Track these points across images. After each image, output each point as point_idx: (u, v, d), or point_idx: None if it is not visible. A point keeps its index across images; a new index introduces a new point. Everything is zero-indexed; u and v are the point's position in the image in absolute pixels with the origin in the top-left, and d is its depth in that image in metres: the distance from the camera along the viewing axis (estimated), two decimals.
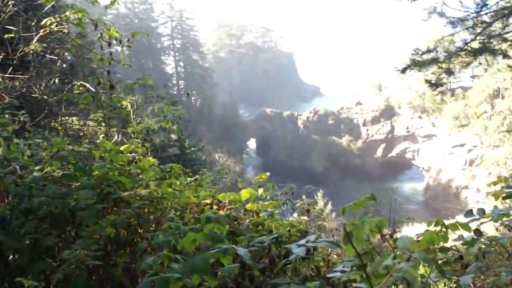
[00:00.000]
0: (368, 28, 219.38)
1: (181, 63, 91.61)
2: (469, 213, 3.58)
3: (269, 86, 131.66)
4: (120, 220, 4.49)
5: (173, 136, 40.65)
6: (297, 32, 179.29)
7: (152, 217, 5.26)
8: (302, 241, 2.85)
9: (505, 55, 17.79)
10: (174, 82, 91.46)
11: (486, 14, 16.62)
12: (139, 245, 4.52)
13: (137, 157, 6.44)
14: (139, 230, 5.22)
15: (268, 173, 6.84)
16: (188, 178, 10.06)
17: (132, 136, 8.00)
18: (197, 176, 11.11)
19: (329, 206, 52.52)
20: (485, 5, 16.10)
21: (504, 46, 17.89)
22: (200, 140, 62.79)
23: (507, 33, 17.06)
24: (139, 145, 6.86)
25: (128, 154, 6.12)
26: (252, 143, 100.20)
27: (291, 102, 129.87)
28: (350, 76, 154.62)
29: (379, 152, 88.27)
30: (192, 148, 43.82)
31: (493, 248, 3.68)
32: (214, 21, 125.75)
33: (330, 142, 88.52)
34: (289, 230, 5.31)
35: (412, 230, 53.55)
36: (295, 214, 6.64)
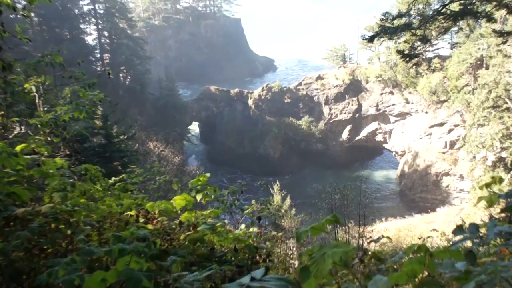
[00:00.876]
0: None
1: (106, 33, 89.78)
2: (458, 229, 3.33)
3: (213, 59, 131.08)
4: (11, 247, 4.05)
5: (97, 122, 39.82)
6: None
7: (61, 236, 4.87)
8: (245, 279, 2.47)
9: (490, 18, 17.87)
10: (98, 55, 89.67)
11: None
12: (38, 278, 4.09)
13: (41, 158, 5.98)
14: (46, 252, 4.83)
15: (208, 174, 6.50)
16: (112, 179, 9.62)
17: (40, 127, 7.53)
18: (123, 175, 10.63)
19: (288, 201, 52.95)
20: None
21: (488, 7, 18.00)
22: (131, 126, 61.84)
23: None
24: (46, 141, 6.42)
25: (28, 156, 5.65)
26: (194, 128, 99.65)
27: (240, 77, 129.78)
28: (309, 46, 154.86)
29: (345, 135, 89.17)
30: (121, 137, 42.93)
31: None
32: None
33: (287, 124, 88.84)
34: (235, 248, 5.03)
35: (386, 226, 54.47)
36: (243, 226, 6.31)
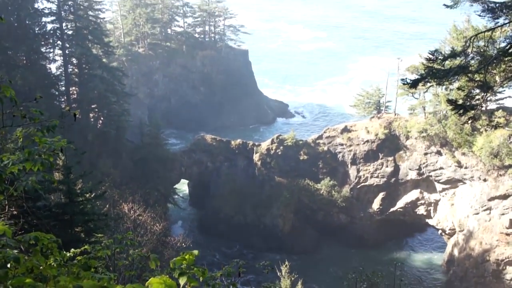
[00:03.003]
0: (363, 22, 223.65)
1: (74, 60, 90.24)
2: None
3: (211, 100, 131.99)
4: None
5: (56, 175, 39.79)
6: (258, 18, 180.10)
7: None
8: None
9: None
10: (63, 88, 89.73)
11: None
12: None
13: None
14: None
15: (196, 252, 6.40)
16: (71, 251, 9.51)
17: None
18: (86, 247, 10.53)
19: (299, 287, 52.72)
20: None
21: None
22: (101, 182, 61.84)
23: None
24: None
25: None
26: (183, 187, 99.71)
27: (245, 125, 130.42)
28: (334, 89, 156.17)
29: (376, 205, 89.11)
30: (87, 195, 42.85)
31: None
32: None
33: (302, 188, 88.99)
34: None
35: None
36: None
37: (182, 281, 5.93)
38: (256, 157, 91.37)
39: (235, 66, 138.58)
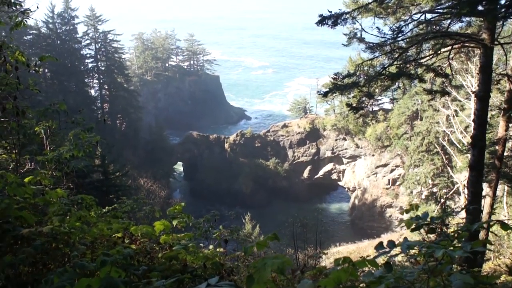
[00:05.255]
0: (293, 48, 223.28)
1: (106, 86, 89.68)
2: (379, 246, 3.51)
3: (196, 109, 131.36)
4: (17, 260, 4.13)
5: (96, 161, 39.62)
6: (224, 53, 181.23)
7: (60, 253, 4.94)
8: (202, 285, 2.61)
9: (421, 79, 18.48)
10: (99, 105, 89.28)
11: (402, 40, 17.21)
12: (39, 287, 4.17)
13: (46, 188, 6.06)
14: (48, 267, 4.89)
15: (183, 203, 6.61)
16: (106, 208, 9.68)
17: (46, 163, 7.61)
18: (115, 205, 10.70)
19: (257, 229, 52.75)
20: (401, 31, 16.66)
21: (419, 70, 18.60)
22: (125, 165, 61.53)
23: (422, 58, 17.72)
24: (51, 175, 6.49)
25: (34, 187, 5.72)
26: (179, 167, 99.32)
27: (218, 125, 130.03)
28: (277, 100, 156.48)
29: (306, 174, 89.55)
30: (117, 174, 42.71)
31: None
32: (140, 43, 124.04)
33: (257, 165, 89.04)
34: (204, 264, 5.13)
35: (339, 250, 54.52)
36: (211, 246, 6.42)
37: (174, 222, 6.14)
38: (226, 146, 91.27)
39: (211, 87, 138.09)
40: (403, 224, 4.16)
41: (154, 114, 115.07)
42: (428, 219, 3.97)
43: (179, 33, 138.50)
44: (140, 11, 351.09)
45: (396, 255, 3.47)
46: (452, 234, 3.72)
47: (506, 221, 3.73)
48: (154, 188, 69.22)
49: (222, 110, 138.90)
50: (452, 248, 3.15)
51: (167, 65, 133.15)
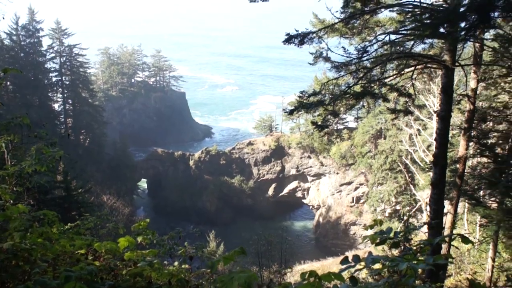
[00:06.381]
0: (259, 67, 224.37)
1: (70, 100, 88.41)
2: (344, 260, 3.56)
3: (161, 125, 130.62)
4: None
5: (59, 177, 38.89)
6: (191, 70, 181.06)
7: (20, 270, 4.81)
8: None
9: (385, 99, 18.79)
10: (62, 119, 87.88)
11: (367, 60, 17.50)
12: None
13: (6, 204, 5.92)
14: (7, 285, 4.76)
15: (148, 220, 6.55)
16: (68, 224, 9.50)
17: (6, 178, 7.45)
18: (78, 222, 10.51)
19: (222, 247, 52.51)
20: (366, 51, 16.95)
21: (383, 90, 18.92)
22: (88, 181, 60.51)
23: (386, 78, 18.04)
24: (9, 190, 6.34)
25: None
26: (143, 184, 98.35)
27: (183, 142, 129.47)
28: (243, 117, 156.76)
29: (271, 192, 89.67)
30: (79, 190, 41.98)
31: None
32: (106, 58, 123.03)
33: (222, 182, 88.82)
34: (169, 281, 5.07)
35: (303, 267, 54.54)
36: (176, 263, 6.35)
37: (139, 239, 6.07)
38: (191, 163, 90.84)
39: (176, 103, 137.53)
40: (367, 239, 4.21)
41: (118, 130, 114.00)
42: (392, 234, 4.03)
43: (146, 48, 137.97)
44: (107, 26, 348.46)
45: (361, 269, 3.52)
46: (415, 248, 3.80)
47: (466, 236, 3.82)
48: (117, 205, 68.35)
49: (188, 127, 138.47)
50: (415, 262, 3.22)
51: (133, 80, 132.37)
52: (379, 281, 3.33)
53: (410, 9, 15.98)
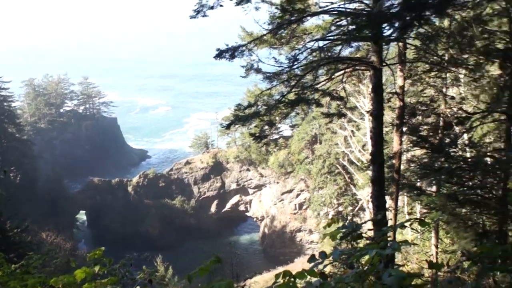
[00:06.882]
0: (188, 85, 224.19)
1: None
2: (312, 258, 3.67)
3: (95, 154, 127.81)
4: None
5: None
6: (120, 94, 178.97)
7: None
8: None
9: (318, 104, 19.21)
10: None
11: (298, 68, 17.83)
12: None
13: None
14: None
15: (103, 248, 6.41)
16: (13, 265, 9.14)
17: None
18: (22, 262, 10.14)
19: (170, 270, 51.81)
20: (296, 60, 17.27)
21: (316, 95, 19.33)
22: (24, 219, 58.35)
23: (318, 83, 18.44)
24: None
25: None
26: (82, 216, 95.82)
27: (120, 168, 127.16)
28: (178, 137, 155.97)
29: (213, 209, 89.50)
30: (15, 230, 40.45)
31: None
32: (31, 90, 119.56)
33: (163, 205, 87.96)
34: None
35: (255, 280, 54.54)
36: None
37: (96, 268, 5.94)
38: (130, 188, 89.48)
39: (109, 129, 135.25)
40: (327, 236, 4.32)
41: (51, 163, 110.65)
42: (354, 227, 4.18)
43: (73, 76, 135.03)
44: (28, 56, 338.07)
45: (326, 265, 3.63)
46: (373, 240, 3.96)
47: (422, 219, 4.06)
48: (58, 241, 66.35)
49: (122, 153, 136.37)
50: (381, 248, 3.39)
51: (61, 110, 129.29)
52: (348, 273, 3.46)
53: (335, 15, 16.43)
